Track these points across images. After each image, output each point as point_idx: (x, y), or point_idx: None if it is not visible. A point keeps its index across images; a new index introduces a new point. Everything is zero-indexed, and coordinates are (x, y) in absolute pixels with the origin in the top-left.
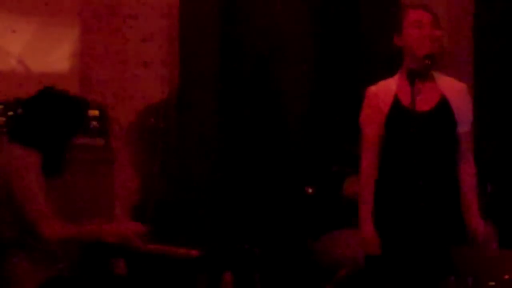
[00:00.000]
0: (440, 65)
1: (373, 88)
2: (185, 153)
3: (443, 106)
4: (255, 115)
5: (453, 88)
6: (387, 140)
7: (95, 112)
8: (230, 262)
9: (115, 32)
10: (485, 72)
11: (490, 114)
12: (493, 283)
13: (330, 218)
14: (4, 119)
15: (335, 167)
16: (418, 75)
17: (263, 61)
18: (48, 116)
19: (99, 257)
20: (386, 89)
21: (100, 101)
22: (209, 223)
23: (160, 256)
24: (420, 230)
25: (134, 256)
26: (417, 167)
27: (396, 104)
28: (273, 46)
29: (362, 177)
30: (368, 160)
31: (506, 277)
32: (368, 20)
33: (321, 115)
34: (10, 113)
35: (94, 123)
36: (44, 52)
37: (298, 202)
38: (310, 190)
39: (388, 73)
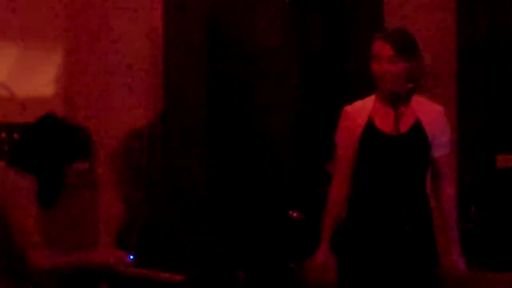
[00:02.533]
0: (423, 86)
1: (348, 108)
2: (170, 178)
3: (417, 130)
4: (240, 139)
5: (428, 112)
6: (360, 161)
7: None
8: (214, 286)
9: (99, 57)
10: (468, 92)
11: (473, 135)
12: None
13: (314, 241)
14: None
15: (319, 189)
16: (399, 98)
17: (248, 82)
18: (47, 142)
19: (83, 283)
20: (360, 110)
21: (84, 125)
22: (193, 248)
23: (144, 280)
24: (403, 254)
25: (117, 280)
26: (393, 190)
27: (369, 126)
28: (259, 68)
29: (330, 197)
30: (338, 182)
31: None
32: (353, 38)
33: (306, 137)
34: None
35: None
36: (28, 76)
37: (282, 226)
38: (294, 214)
39: (372, 92)
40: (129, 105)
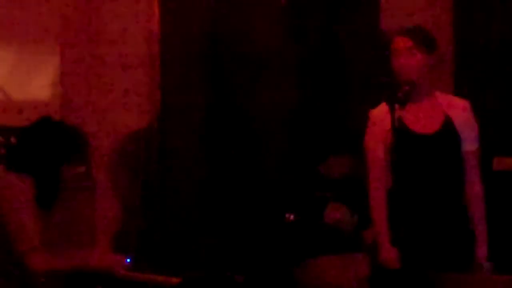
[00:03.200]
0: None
1: (375, 111)
2: (167, 180)
3: (448, 127)
4: (237, 142)
5: (456, 107)
6: (395, 162)
7: None
8: None
9: (96, 59)
10: (465, 93)
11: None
12: None
13: (312, 244)
14: None
15: (315, 192)
16: (398, 101)
17: (246, 85)
18: (43, 145)
19: (80, 286)
20: (382, 113)
21: (81, 128)
22: (190, 250)
23: (141, 283)
24: (439, 253)
25: (114, 284)
26: (431, 189)
27: (395, 128)
28: (256, 70)
29: (372, 200)
30: (377, 182)
31: None
32: (350, 40)
33: (303, 140)
34: None
35: None
36: (25, 79)
37: (279, 229)
38: (291, 217)
39: (368, 96)
40: (126, 107)
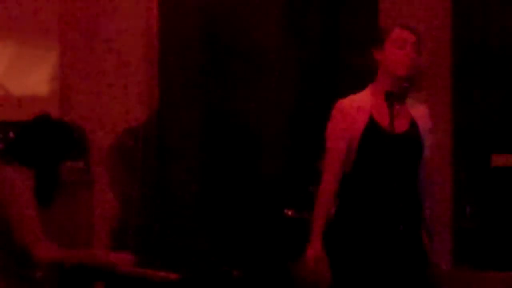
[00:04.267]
0: (418, 84)
1: (346, 102)
2: (165, 176)
3: (414, 129)
4: (234, 138)
5: (419, 111)
6: (358, 158)
7: None
8: (209, 285)
9: (95, 55)
10: (463, 92)
11: (469, 134)
12: None
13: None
14: None
15: (311, 187)
16: (396, 98)
17: (243, 82)
18: (43, 140)
19: (79, 281)
20: (359, 105)
21: (79, 123)
22: (188, 246)
23: (140, 279)
24: (395, 253)
25: (113, 279)
26: (390, 189)
27: (372, 124)
28: (253, 67)
29: (321, 192)
30: (330, 176)
31: None
32: (349, 39)
33: (299, 136)
34: None
35: None
36: (23, 75)
37: (277, 224)
38: (289, 213)
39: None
40: (124, 104)
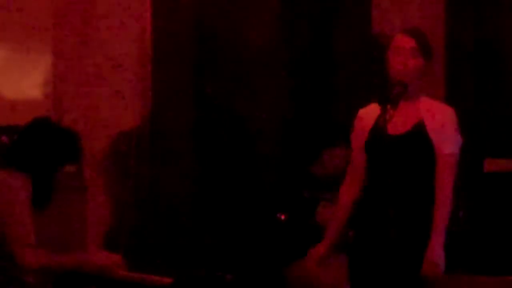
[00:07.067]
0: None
1: (361, 111)
2: (158, 180)
3: (418, 129)
4: (228, 141)
5: (434, 112)
6: (368, 164)
7: None
8: None
9: (87, 59)
10: (456, 96)
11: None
12: None
13: (303, 244)
14: None
15: (306, 192)
16: (390, 102)
17: (237, 85)
18: (40, 144)
19: (72, 285)
20: (370, 112)
21: (72, 127)
22: (181, 250)
23: (133, 283)
24: (386, 258)
25: (106, 284)
26: (389, 192)
27: (375, 127)
28: (247, 70)
29: (339, 200)
30: (347, 184)
31: None
32: (342, 45)
33: (293, 140)
34: None
35: None
36: (16, 79)
37: (270, 228)
38: (282, 217)
39: (359, 96)
40: (117, 108)
